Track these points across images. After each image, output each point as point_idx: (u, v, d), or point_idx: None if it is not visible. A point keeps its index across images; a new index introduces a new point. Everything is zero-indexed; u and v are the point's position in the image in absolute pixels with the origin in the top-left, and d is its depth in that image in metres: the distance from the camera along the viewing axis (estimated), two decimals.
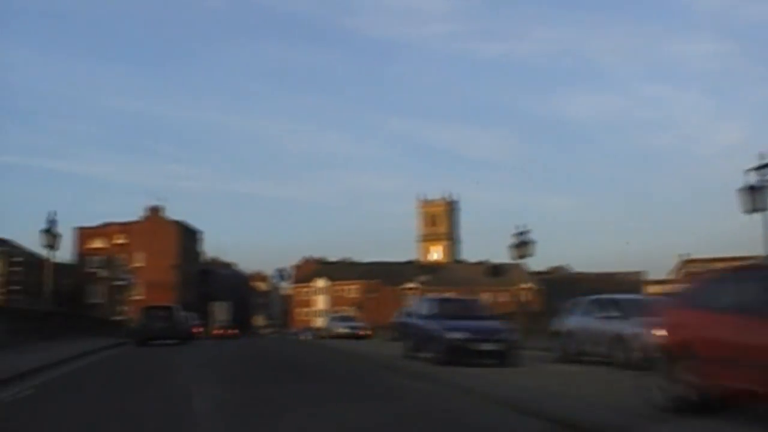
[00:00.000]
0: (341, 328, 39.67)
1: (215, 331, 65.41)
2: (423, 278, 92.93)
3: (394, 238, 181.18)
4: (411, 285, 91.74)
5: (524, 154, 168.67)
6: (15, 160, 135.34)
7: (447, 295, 35.70)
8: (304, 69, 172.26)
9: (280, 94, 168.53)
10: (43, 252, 25.77)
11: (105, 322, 45.56)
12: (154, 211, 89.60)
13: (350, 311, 67.64)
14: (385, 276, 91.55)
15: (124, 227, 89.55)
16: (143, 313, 29.62)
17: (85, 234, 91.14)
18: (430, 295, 25.24)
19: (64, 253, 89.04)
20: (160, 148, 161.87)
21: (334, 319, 46.41)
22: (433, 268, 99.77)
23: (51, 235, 23.90)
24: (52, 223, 23.67)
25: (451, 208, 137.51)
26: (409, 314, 18.21)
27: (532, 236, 26.64)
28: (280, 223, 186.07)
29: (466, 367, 13.34)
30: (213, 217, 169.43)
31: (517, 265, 39.95)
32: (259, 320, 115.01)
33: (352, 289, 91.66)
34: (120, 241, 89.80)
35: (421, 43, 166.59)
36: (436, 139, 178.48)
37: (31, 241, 44.82)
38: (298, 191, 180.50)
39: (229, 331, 63.88)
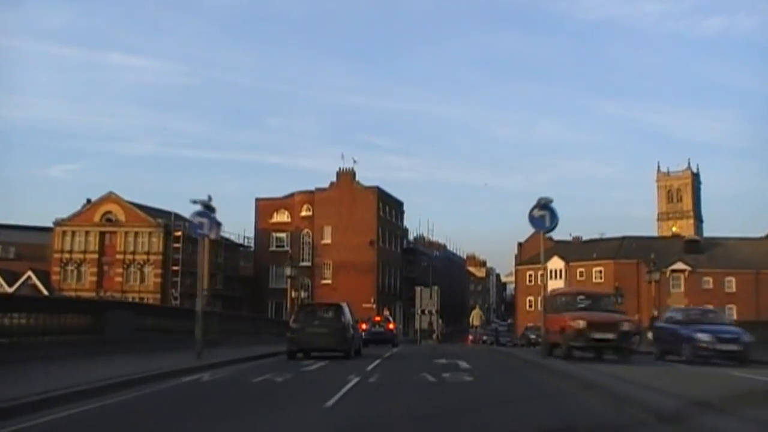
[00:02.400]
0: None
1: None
2: (690, 257, 68.11)
3: (621, 223, 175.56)
4: (677, 266, 67.27)
5: (749, 135, 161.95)
6: (244, 157, 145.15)
7: None
8: (513, 56, 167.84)
9: (490, 83, 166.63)
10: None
11: (272, 322, 36.53)
12: (345, 175, 72.89)
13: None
14: (639, 254, 67.82)
15: (308, 196, 73.79)
16: (298, 313, 20.83)
17: (264, 207, 76.81)
18: None
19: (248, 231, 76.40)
20: (375, 141, 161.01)
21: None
22: (702, 244, 73.82)
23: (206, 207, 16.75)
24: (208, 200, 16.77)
25: (694, 181, 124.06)
26: None
27: None
28: (494, 212, 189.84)
29: None
30: (427, 207, 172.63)
31: None
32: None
33: (597, 272, 68.92)
34: (304, 214, 74.19)
35: (633, 24, 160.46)
36: (651, 123, 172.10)
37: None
38: (510, 180, 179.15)
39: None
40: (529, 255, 76.96)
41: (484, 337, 44.36)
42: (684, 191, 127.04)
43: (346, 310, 19.85)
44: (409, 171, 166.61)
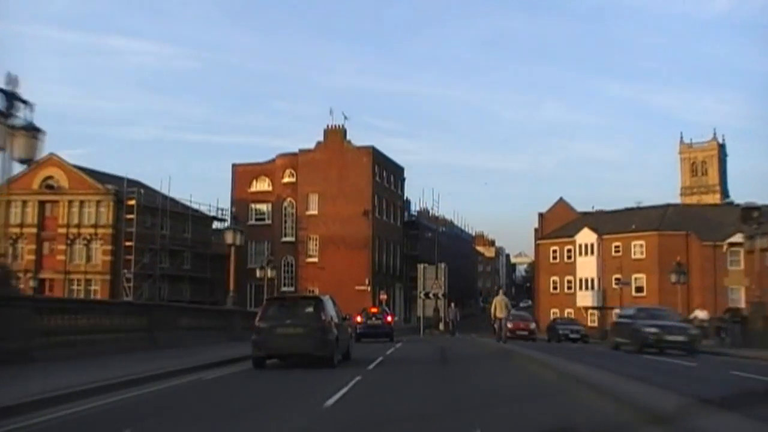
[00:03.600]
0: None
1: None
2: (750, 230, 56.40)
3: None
4: (735, 239, 55.68)
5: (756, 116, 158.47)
6: (249, 141, 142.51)
7: None
8: (518, 38, 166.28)
9: (495, 65, 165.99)
10: None
11: (247, 315, 26.44)
12: (334, 134, 61.39)
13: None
14: (688, 225, 56.33)
15: (291, 159, 62.39)
16: (267, 309, 15.62)
17: (242, 174, 65.62)
18: None
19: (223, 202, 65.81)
20: (379, 123, 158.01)
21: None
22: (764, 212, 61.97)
23: None
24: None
25: (720, 153, 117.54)
26: None
27: None
28: (500, 194, 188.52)
29: None
30: (431, 189, 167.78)
31: None
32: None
33: (637, 246, 57.38)
34: (286, 180, 62.82)
35: (639, 4, 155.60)
36: (658, 104, 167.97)
37: None
38: (515, 161, 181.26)
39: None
40: (552, 227, 65.52)
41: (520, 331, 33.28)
42: (709, 164, 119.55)
43: (329, 304, 15.80)
44: (413, 154, 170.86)
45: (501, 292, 27.69)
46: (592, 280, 58.82)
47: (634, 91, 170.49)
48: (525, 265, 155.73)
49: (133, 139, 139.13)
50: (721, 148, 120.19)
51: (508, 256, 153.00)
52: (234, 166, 66.98)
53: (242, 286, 61.92)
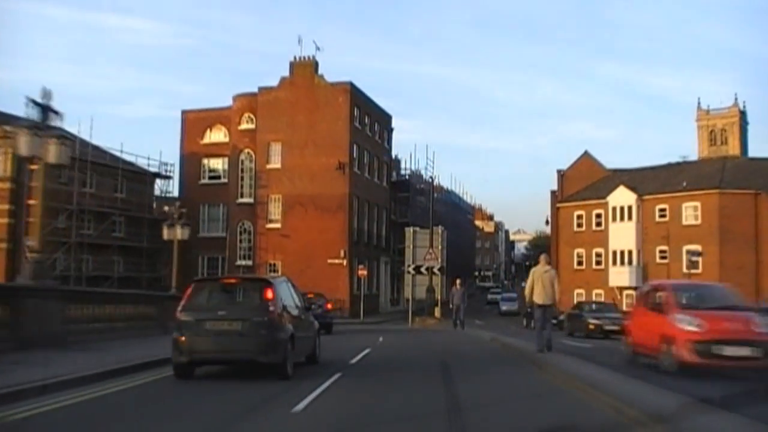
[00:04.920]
0: None
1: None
2: None
3: None
4: None
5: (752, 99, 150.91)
6: None
7: None
8: (515, 17, 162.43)
9: (490, 44, 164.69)
10: None
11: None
12: (302, 68, 48.54)
13: None
14: (756, 182, 43.80)
15: (249, 101, 49.69)
16: (193, 296, 11.56)
17: (193, 123, 53.26)
18: None
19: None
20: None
21: None
22: None
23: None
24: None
25: (741, 120, 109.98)
26: None
27: None
28: (495, 174, 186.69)
29: None
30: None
31: None
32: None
33: (689, 209, 44.78)
34: (244, 127, 50.16)
35: None
36: (653, 85, 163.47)
37: None
38: (510, 142, 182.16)
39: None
40: (576, 187, 52.92)
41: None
42: (730, 131, 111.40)
43: (283, 288, 11.85)
44: (408, 132, 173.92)
45: (544, 259, 15.20)
46: (630, 253, 46.22)
47: (630, 72, 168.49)
48: (525, 243, 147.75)
49: (127, 118, 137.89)
50: (742, 115, 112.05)
51: (507, 232, 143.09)
52: (184, 113, 54.39)
53: (191, 261, 49.94)
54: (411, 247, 34.67)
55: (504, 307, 56.64)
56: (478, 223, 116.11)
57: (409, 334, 24.57)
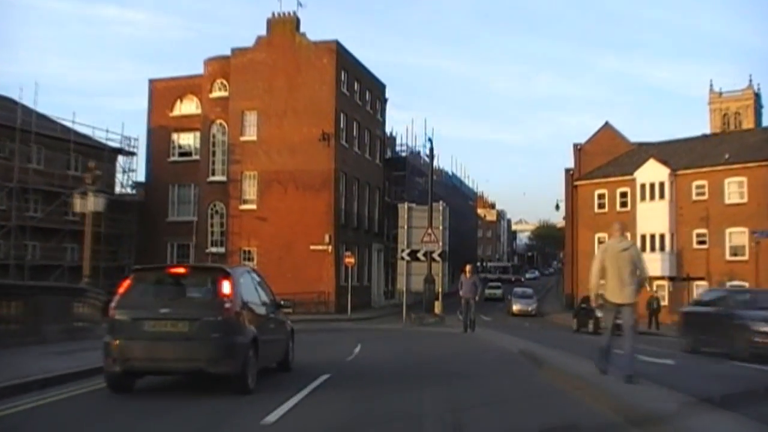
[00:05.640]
0: None
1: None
2: None
3: None
4: None
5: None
6: None
7: None
8: (514, 9, 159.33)
9: (489, 35, 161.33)
10: None
11: None
12: (282, 25, 42.17)
13: None
14: None
15: (222, 65, 43.32)
16: (131, 289, 9.31)
17: (162, 92, 47.07)
18: None
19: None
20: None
21: None
22: None
23: None
24: None
25: (756, 103, 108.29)
26: None
27: None
28: (494, 167, 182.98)
29: None
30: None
31: None
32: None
33: (733, 185, 38.38)
34: (216, 95, 43.81)
35: None
36: (653, 77, 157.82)
37: None
38: (509, 133, 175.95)
39: None
40: (596, 163, 46.50)
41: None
42: (744, 115, 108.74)
43: (244, 280, 9.91)
44: (406, 124, 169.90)
45: (618, 228, 9.00)
46: (662, 237, 39.76)
47: (630, 64, 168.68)
48: (527, 233, 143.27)
49: (125, 110, 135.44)
50: (757, 97, 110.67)
51: (509, 221, 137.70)
52: (152, 81, 48.09)
53: (160, 246, 43.89)
54: (405, 227, 28.28)
55: (516, 306, 46.36)
56: (480, 211, 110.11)
57: (399, 341, 18.38)
